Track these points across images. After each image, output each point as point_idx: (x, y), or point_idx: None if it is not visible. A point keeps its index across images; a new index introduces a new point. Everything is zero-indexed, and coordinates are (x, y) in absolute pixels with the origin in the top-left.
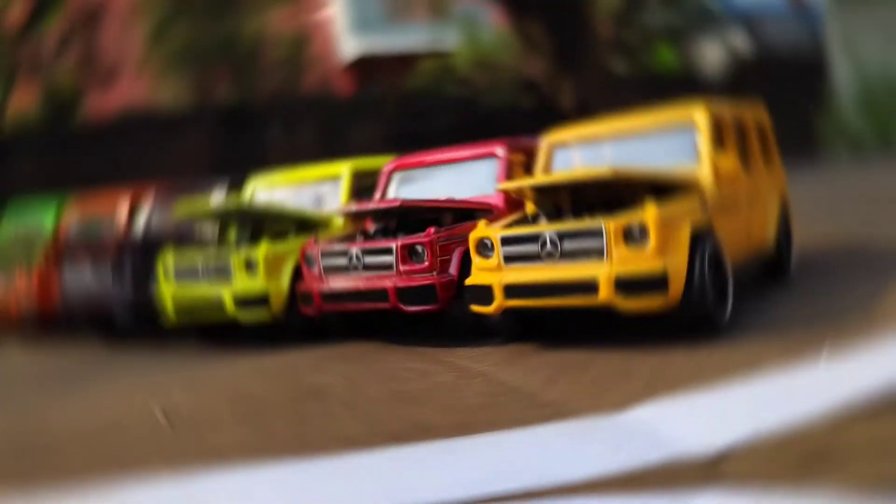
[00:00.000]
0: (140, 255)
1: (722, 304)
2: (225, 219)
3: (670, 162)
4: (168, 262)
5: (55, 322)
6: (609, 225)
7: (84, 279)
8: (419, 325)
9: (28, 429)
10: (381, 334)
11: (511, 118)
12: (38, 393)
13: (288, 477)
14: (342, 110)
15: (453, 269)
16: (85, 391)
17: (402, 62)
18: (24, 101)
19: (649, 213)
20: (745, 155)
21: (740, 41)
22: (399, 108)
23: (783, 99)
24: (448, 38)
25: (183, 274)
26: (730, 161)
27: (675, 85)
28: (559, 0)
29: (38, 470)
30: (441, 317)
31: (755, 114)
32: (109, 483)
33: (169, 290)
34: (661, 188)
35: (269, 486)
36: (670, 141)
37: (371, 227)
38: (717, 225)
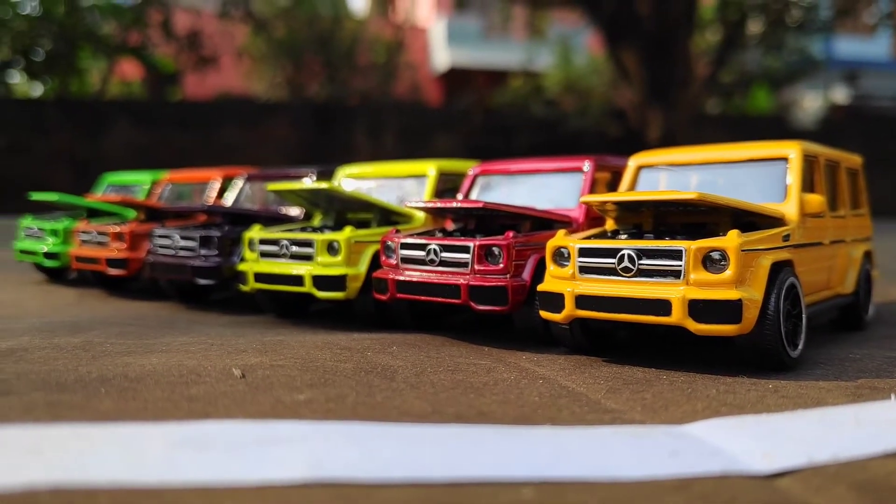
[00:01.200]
0: (228, 227)
1: (794, 340)
2: (314, 202)
3: (758, 195)
4: (254, 236)
5: (140, 280)
6: (690, 247)
7: (172, 243)
8: (486, 324)
9: (109, 366)
10: (447, 329)
11: (595, 143)
12: (119, 338)
13: (354, 436)
14: (428, 118)
15: (527, 274)
16: (163, 343)
17: (492, 78)
18: (130, 73)
19: (731, 241)
20: (833, 197)
21: (840, 92)
22: (484, 122)
23: (877, 152)
24: (541, 59)
25: (267, 249)
26: (817, 200)
27: (767, 129)
28: (658, 33)
29: (119, 401)
30: (509, 319)
31: (849, 160)
32: (185, 419)
33: (252, 263)
34: (746, 220)
35: (336, 441)
36: (760, 174)
37: (451, 225)
38: (798, 261)
